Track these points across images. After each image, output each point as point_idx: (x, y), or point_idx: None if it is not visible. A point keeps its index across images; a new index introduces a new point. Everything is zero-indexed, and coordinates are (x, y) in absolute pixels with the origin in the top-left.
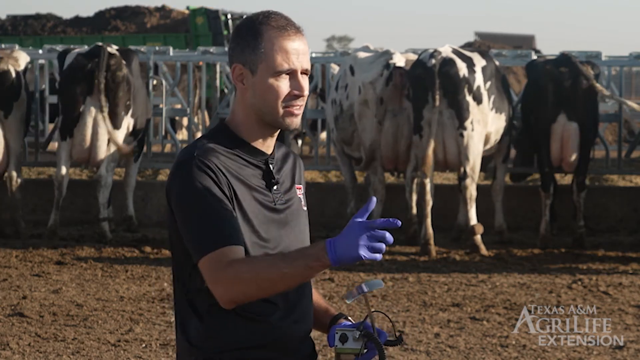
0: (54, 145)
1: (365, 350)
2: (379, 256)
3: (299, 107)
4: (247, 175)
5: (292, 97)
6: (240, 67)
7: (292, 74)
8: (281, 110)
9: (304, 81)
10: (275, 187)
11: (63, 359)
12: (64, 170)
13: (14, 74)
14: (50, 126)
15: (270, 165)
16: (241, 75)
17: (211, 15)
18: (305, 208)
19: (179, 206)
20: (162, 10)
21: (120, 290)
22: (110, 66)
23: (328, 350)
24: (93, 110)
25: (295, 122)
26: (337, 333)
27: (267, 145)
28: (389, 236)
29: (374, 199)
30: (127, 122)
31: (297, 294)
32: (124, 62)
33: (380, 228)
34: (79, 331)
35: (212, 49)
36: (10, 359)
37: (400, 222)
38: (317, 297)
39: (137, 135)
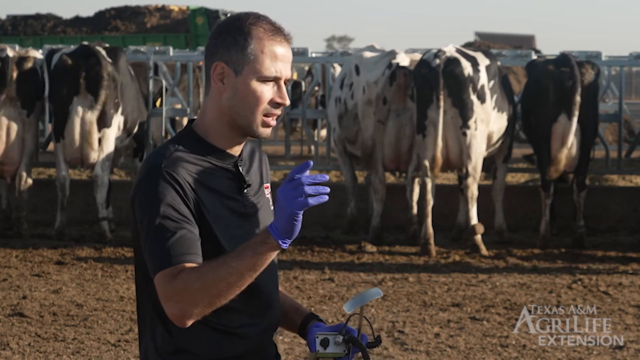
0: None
1: (345, 354)
2: (312, 201)
3: (275, 117)
4: (217, 182)
5: (274, 104)
6: (223, 65)
7: (276, 81)
8: (259, 118)
9: (285, 91)
10: (246, 191)
11: (63, 359)
12: (64, 171)
13: (39, 74)
14: (51, 126)
15: (240, 168)
16: (222, 74)
17: (211, 15)
18: (272, 208)
19: (141, 219)
20: (162, 10)
21: (120, 290)
22: (94, 65)
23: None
24: (80, 110)
25: (267, 132)
26: (317, 337)
27: (235, 150)
28: (305, 177)
29: (310, 162)
30: (118, 120)
31: (265, 302)
32: (109, 60)
33: (294, 179)
34: (79, 331)
35: None
36: (10, 359)
37: (327, 177)
38: (284, 297)
39: (131, 133)
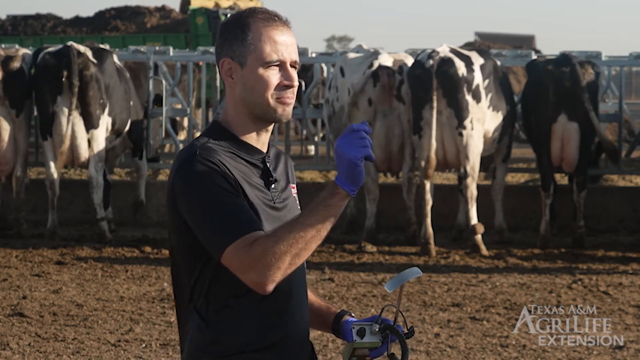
0: None
1: (380, 344)
2: (371, 151)
3: (289, 97)
4: (247, 172)
5: (282, 87)
6: (229, 61)
7: (281, 65)
8: (272, 101)
9: (294, 73)
10: (273, 186)
11: (63, 359)
12: (53, 169)
13: (26, 73)
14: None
15: (267, 164)
16: (230, 70)
17: (211, 15)
18: (299, 208)
19: (189, 203)
20: (162, 10)
21: (120, 290)
22: (77, 65)
23: (328, 351)
24: (66, 110)
25: (287, 112)
26: (353, 328)
27: (262, 143)
28: (365, 130)
29: (366, 122)
30: (105, 121)
31: (294, 296)
32: (93, 60)
33: (357, 131)
34: (79, 331)
35: (212, 49)
36: (10, 359)
37: (367, 123)
38: (314, 298)
39: (120, 134)
